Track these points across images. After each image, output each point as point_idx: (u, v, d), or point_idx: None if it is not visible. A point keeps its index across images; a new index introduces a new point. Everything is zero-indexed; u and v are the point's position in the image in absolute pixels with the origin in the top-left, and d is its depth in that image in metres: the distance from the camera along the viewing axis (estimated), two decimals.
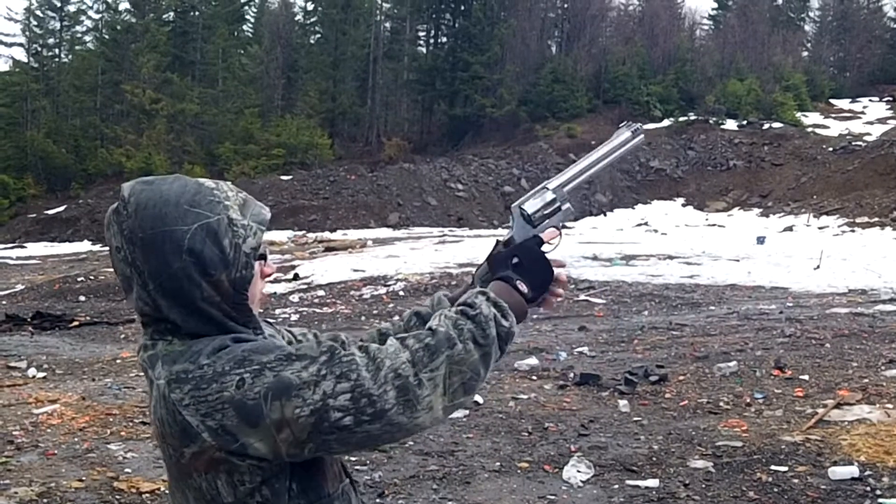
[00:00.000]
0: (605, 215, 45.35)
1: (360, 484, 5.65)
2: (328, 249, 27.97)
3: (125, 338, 13.20)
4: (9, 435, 6.92)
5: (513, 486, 5.73)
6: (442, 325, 1.54)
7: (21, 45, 60.70)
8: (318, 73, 60.48)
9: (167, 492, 5.84)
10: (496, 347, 1.57)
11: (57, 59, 61.19)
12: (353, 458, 6.09)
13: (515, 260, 1.73)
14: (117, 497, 5.54)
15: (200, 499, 1.55)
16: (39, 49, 60.63)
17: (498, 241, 1.85)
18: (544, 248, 1.79)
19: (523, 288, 1.69)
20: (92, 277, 20.23)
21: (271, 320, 1.84)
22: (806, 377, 8.37)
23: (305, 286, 18.17)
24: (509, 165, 48.36)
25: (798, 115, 53.76)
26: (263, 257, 1.63)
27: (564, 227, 1.89)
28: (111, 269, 20.95)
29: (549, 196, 1.83)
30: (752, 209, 43.75)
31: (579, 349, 10.31)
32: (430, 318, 1.86)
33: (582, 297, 15.33)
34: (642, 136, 1.95)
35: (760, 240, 28.75)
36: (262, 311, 1.72)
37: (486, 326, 1.56)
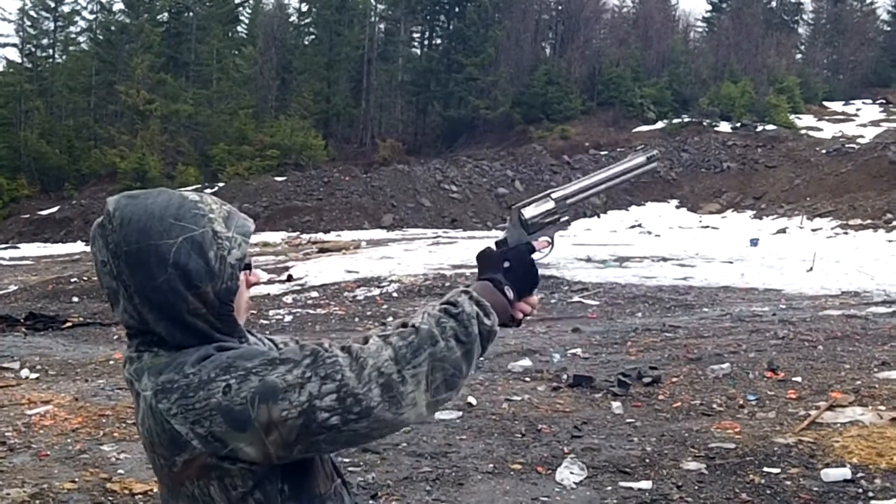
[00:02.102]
0: (598, 217, 45.37)
1: (353, 485, 5.65)
2: (322, 250, 27.94)
3: (118, 339, 13.16)
4: (1, 436, 6.91)
5: (506, 488, 5.74)
6: (425, 323, 1.56)
7: (15, 45, 60.58)
8: (312, 74, 60.45)
9: (159, 492, 5.81)
10: (478, 345, 1.60)
11: (51, 60, 61.06)
12: (345, 459, 6.09)
13: (507, 264, 1.74)
14: (110, 498, 5.53)
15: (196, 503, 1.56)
16: (33, 49, 60.48)
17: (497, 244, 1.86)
18: (534, 255, 1.80)
19: (510, 294, 1.71)
20: (85, 278, 20.17)
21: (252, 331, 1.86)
22: (799, 379, 8.39)
23: (299, 287, 18.15)
24: (503, 167, 48.37)
25: (791, 117, 53.90)
26: (248, 267, 1.65)
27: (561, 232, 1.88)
28: None
29: (550, 205, 1.84)
30: (746, 211, 43.83)
31: (573, 351, 10.31)
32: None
33: (575, 298, 15.34)
34: (656, 163, 1.95)
35: (754, 242, 28.79)
36: (253, 312, 1.73)
37: (468, 324, 1.58)
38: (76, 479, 5.84)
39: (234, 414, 1.46)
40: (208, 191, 37.59)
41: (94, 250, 1.59)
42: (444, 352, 1.54)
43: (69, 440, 6.83)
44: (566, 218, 1.86)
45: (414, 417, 1.53)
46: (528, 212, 1.83)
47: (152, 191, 1.61)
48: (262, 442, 1.47)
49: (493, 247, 1.81)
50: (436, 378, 1.54)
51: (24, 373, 9.94)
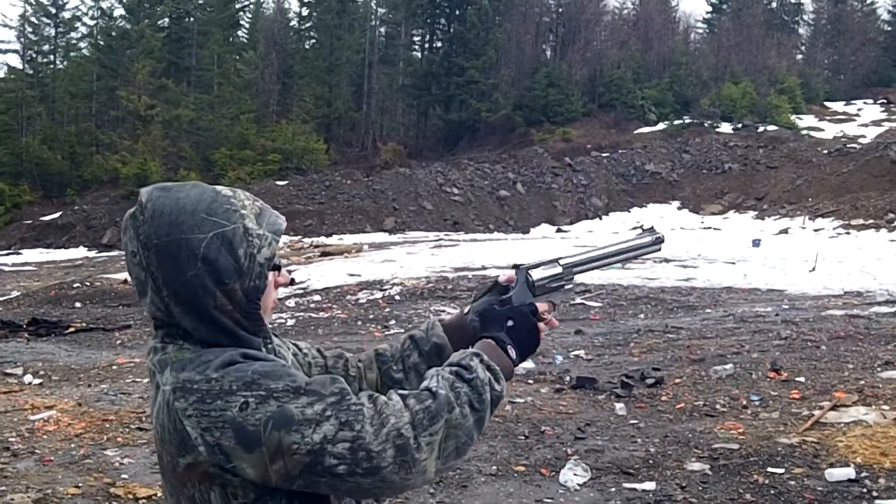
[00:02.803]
0: (600, 218, 45.41)
1: None
2: (324, 254, 27.96)
3: (121, 344, 13.18)
4: (5, 441, 6.91)
5: (509, 490, 5.74)
6: (441, 388, 1.54)
7: (16, 51, 60.63)
8: (313, 78, 60.47)
9: (163, 497, 5.80)
10: (489, 412, 1.59)
11: (52, 66, 61.09)
12: None
13: (511, 323, 1.74)
14: (114, 503, 5.53)
15: None
16: (34, 55, 60.51)
17: (497, 282, 1.86)
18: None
19: (513, 354, 1.71)
20: (88, 284, 20.20)
21: (276, 333, 1.86)
22: (802, 379, 8.38)
23: (302, 291, 18.16)
24: (505, 170, 48.39)
25: (793, 117, 53.91)
26: (277, 268, 1.64)
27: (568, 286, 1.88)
28: (107, 276, 20.82)
29: (558, 270, 1.84)
30: (748, 212, 43.83)
31: (575, 353, 10.31)
32: (424, 342, 1.90)
33: (578, 300, 15.34)
34: (661, 246, 1.98)
35: (756, 242, 28.78)
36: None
37: (482, 391, 1.58)
38: (80, 485, 5.84)
39: (245, 433, 1.45)
40: None
41: (124, 240, 1.59)
42: (459, 419, 1.53)
43: (73, 445, 6.83)
44: (571, 286, 1.87)
45: (420, 483, 1.51)
46: (536, 274, 1.83)
47: (186, 183, 1.60)
48: (265, 467, 1.46)
49: (496, 300, 1.81)
50: (448, 446, 1.53)
51: (28, 378, 9.95)
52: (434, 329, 1.91)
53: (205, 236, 1.52)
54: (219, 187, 1.61)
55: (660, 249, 1.98)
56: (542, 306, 1.80)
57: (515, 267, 1.85)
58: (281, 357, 1.71)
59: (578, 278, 1.90)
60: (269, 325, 1.70)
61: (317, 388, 1.48)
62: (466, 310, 1.90)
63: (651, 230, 2.01)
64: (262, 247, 1.56)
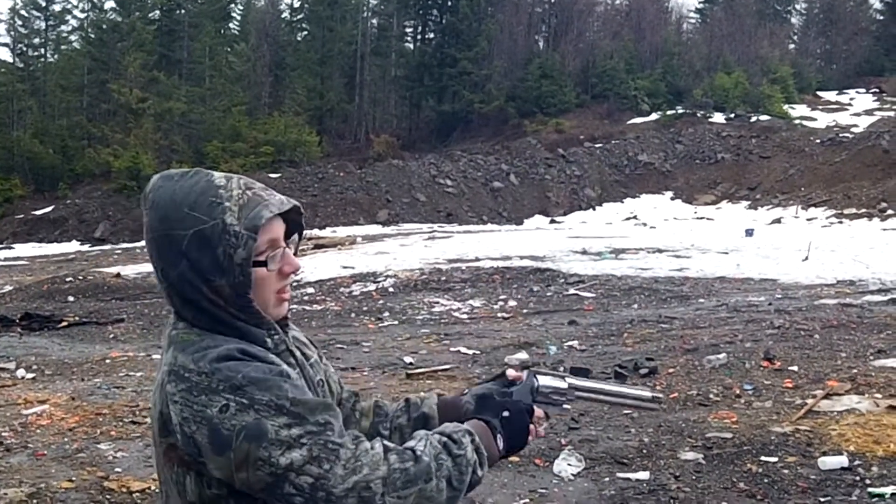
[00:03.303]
0: (594, 209, 45.42)
1: None
2: (317, 247, 27.87)
3: (114, 338, 13.15)
4: None
5: (504, 481, 5.74)
6: (426, 455, 1.53)
7: (6, 45, 60.38)
8: (305, 70, 60.33)
9: (157, 490, 5.83)
10: (464, 493, 1.58)
11: (43, 59, 60.88)
12: None
13: (507, 414, 1.74)
14: (107, 497, 5.52)
15: (174, 486, 1.58)
16: (25, 49, 60.30)
17: (503, 374, 1.89)
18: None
19: (500, 444, 1.70)
20: (80, 278, 20.13)
21: (303, 336, 1.84)
22: (795, 368, 8.40)
23: (295, 284, 18.13)
24: (498, 161, 48.35)
25: (785, 107, 53.99)
26: (264, 263, 1.59)
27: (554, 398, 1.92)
28: (100, 270, 20.75)
29: (563, 386, 1.89)
30: (741, 202, 43.89)
31: (569, 343, 10.32)
32: (415, 409, 1.89)
33: (571, 291, 15.34)
34: (657, 406, 2.06)
35: (749, 232, 28.83)
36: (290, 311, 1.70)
37: (464, 470, 1.56)
38: (73, 479, 5.83)
39: (218, 436, 1.45)
40: None
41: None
42: (434, 493, 1.51)
43: (66, 439, 6.82)
44: (568, 406, 1.91)
45: None
46: (543, 380, 1.87)
47: (188, 172, 1.60)
48: (230, 472, 1.46)
49: (497, 391, 1.84)
50: None
51: (21, 373, 9.92)
52: (428, 400, 1.91)
53: (186, 233, 1.52)
54: (216, 175, 1.59)
55: (656, 407, 2.06)
56: (538, 412, 1.81)
57: (526, 367, 1.90)
58: (295, 354, 1.70)
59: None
60: (288, 318, 1.71)
61: (301, 412, 1.47)
62: (465, 390, 1.92)
63: (653, 390, 2.11)
64: (237, 247, 1.53)
